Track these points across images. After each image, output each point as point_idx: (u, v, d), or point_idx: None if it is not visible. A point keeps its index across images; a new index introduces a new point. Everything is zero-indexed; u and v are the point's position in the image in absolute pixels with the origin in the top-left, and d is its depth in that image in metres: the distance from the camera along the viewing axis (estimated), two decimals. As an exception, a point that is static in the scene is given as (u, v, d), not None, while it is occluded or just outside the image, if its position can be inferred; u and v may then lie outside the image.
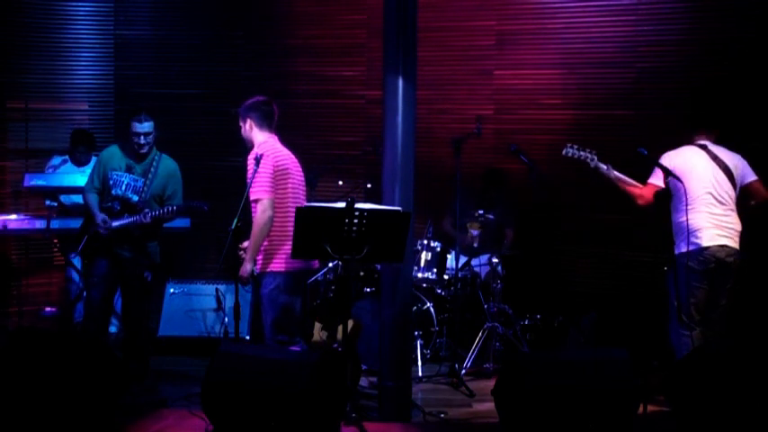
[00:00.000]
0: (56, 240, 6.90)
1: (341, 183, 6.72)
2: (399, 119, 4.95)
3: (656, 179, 5.31)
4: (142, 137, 5.42)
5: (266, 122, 5.05)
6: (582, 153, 5.37)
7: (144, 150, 5.46)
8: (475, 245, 6.49)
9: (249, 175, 4.82)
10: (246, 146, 5.07)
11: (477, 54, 7.26)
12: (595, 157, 5.37)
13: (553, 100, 7.09)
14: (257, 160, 4.78)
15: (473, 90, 7.29)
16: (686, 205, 5.19)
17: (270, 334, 4.93)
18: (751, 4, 6.48)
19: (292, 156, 5.05)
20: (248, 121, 5.04)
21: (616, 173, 5.38)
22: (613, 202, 6.77)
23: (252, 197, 4.81)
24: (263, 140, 4.99)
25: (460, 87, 7.31)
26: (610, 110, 6.88)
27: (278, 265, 4.89)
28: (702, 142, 5.42)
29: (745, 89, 6.46)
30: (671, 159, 5.33)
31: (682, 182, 5.19)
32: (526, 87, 7.17)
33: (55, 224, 6.35)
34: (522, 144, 6.46)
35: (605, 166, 5.36)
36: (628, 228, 6.71)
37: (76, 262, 6.60)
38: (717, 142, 5.45)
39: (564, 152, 5.39)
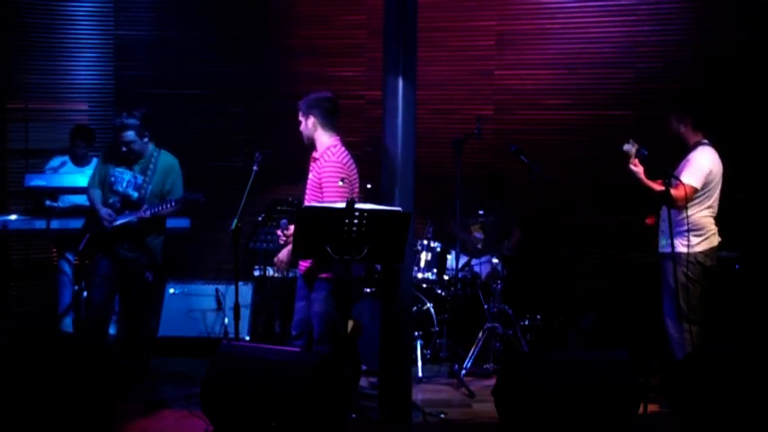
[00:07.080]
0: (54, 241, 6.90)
1: (341, 183, 6.70)
2: (399, 119, 4.95)
3: (694, 180, 5.26)
4: (123, 146, 5.39)
5: (331, 121, 4.89)
6: (634, 151, 5.19)
7: (131, 156, 5.42)
8: (479, 246, 6.48)
9: (320, 174, 4.76)
10: (304, 141, 4.90)
11: (477, 54, 7.26)
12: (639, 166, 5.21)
13: (553, 100, 7.09)
14: (342, 180, 4.73)
15: (473, 90, 7.28)
16: (708, 204, 5.30)
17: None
18: (751, 5, 6.47)
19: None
20: (311, 118, 4.86)
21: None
22: (613, 203, 6.81)
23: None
24: (330, 143, 4.85)
25: (460, 87, 7.31)
26: (609, 110, 6.87)
27: None
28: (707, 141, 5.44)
29: (744, 90, 6.45)
30: (713, 163, 5.32)
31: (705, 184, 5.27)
32: (526, 87, 7.17)
33: (55, 224, 6.35)
34: (522, 144, 6.45)
35: (639, 168, 5.22)
36: (627, 228, 6.71)
37: (70, 258, 6.60)
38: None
39: (625, 148, 5.18)
